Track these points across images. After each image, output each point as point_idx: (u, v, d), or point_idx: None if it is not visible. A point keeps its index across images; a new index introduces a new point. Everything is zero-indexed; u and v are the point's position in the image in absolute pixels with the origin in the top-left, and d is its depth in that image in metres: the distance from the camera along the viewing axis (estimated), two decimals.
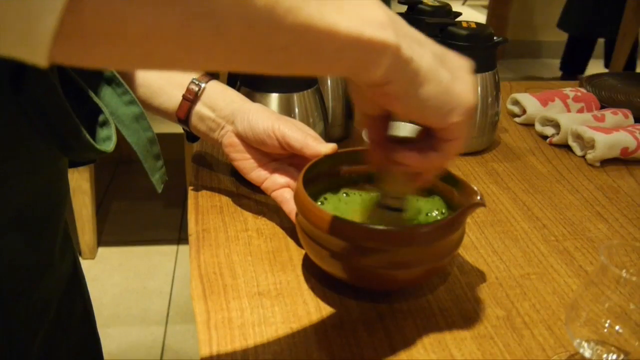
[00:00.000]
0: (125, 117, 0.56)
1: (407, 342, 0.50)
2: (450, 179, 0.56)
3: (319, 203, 0.59)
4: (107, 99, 0.54)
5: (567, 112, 0.96)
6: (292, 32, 0.31)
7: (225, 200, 0.71)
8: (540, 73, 3.89)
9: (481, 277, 0.59)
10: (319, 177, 0.59)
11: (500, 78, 0.88)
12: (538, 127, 0.94)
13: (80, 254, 2.03)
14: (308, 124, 0.76)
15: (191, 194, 0.72)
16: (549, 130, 0.92)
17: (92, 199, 1.90)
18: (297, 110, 0.74)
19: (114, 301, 1.86)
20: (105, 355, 0.71)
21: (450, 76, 0.39)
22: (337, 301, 0.55)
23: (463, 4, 4.80)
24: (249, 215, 0.68)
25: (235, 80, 0.76)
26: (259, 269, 0.59)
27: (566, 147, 0.89)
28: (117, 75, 0.55)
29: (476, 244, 0.65)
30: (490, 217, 0.70)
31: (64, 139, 0.48)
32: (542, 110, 0.96)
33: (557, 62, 3.49)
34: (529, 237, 0.67)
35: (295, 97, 0.73)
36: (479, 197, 0.52)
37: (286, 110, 0.74)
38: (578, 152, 0.87)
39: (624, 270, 0.44)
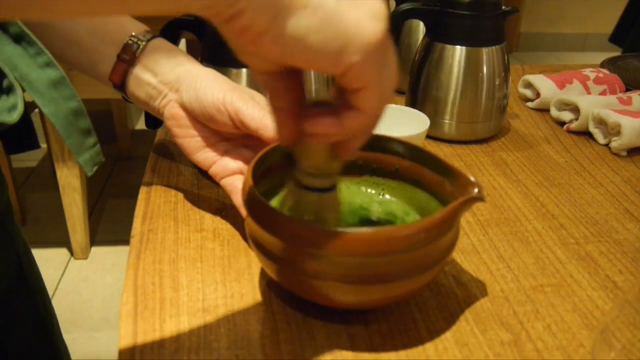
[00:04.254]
0: (39, 82, 0.45)
1: None
2: (440, 167, 0.45)
3: (276, 199, 0.48)
4: (15, 61, 0.44)
5: (587, 94, 0.84)
6: None
7: (182, 195, 0.60)
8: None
9: (482, 289, 0.48)
10: (279, 167, 0.48)
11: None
12: (554, 112, 0.82)
13: (72, 254, 1.95)
14: None
15: (143, 188, 0.61)
16: (566, 116, 0.80)
17: (82, 196, 1.82)
18: None
19: (105, 304, 1.78)
20: None
21: None
22: (300, 321, 0.44)
23: None
24: (206, 213, 0.57)
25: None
26: (208, 279, 0.48)
27: (587, 134, 0.77)
28: (29, 32, 0.45)
29: (478, 248, 0.53)
30: (496, 214, 0.59)
31: None
32: (558, 93, 0.84)
33: (575, 55, 3.33)
34: (542, 239, 0.55)
35: None
36: (476, 190, 0.40)
37: (258, 89, 0.62)
38: (601, 139, 0.75)
39: None
